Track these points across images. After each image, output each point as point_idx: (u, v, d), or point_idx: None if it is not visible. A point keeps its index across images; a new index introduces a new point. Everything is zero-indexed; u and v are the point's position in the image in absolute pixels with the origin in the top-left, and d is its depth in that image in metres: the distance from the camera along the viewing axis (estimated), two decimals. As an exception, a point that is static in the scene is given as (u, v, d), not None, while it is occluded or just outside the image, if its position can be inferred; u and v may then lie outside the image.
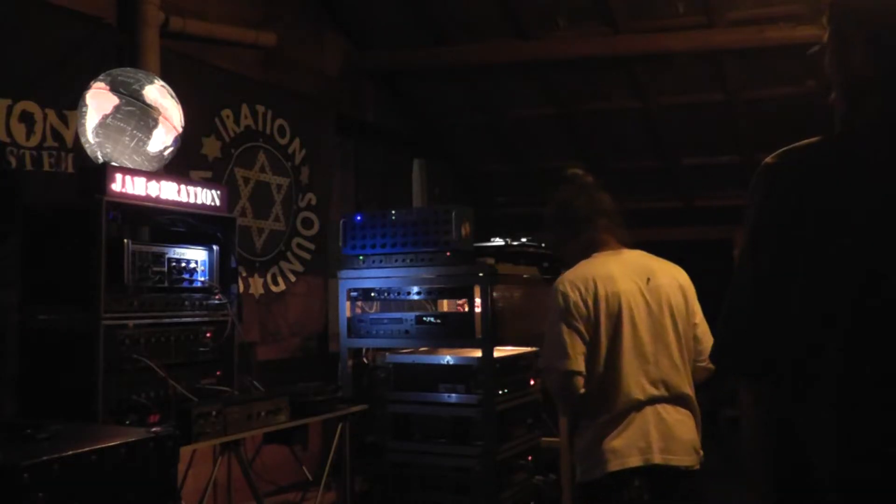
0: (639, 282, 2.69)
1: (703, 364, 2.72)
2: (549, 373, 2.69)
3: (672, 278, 2.76)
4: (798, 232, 1.37)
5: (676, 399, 2.65)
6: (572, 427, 2.79)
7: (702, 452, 2.68)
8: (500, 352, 3.84)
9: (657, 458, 2.55)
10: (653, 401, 2.61)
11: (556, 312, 2.66)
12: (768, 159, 1.46)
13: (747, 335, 1.43)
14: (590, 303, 2.63)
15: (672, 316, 2.67)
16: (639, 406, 2.59)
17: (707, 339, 2.74)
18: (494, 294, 3.68)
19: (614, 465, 2.54)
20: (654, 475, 2.56)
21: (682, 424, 2.64)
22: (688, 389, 2.67)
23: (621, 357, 2.61)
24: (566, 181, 2.91)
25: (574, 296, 2.64)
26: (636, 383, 2.60)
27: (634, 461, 2.54)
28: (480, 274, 3.67)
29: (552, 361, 2.64)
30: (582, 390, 2.61)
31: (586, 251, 2.80)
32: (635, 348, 2.62)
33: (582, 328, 2.61)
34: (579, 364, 2.59)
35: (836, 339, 1.32)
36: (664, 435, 2.59)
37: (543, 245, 4.27)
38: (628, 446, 2.56)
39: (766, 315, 1.40)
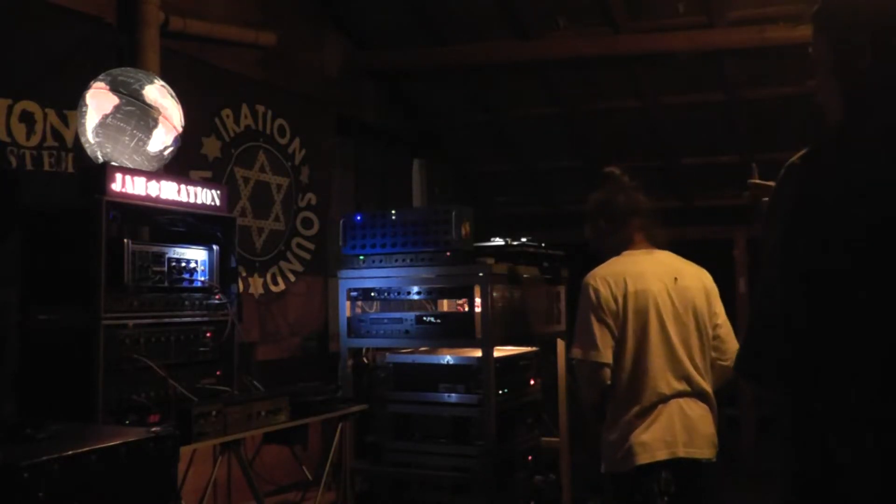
0: (666, 281, 2.82)
1: (726, 363, 2.86)
2: (578, 364, 2.81)
3: (697, 280, 2.90)
4: (828, 237, 1.35)
5: (697, 394, 2.78)
6: (594, 420, 2.91)
7: (717, 445, 2.82)
8: (500, 352, 3.83)
9: (682, 452, 2.70)
10: (677, 395, 2.75)
11: (587, 306, 2.79)
12: (794, 160, 1.44)
13: (770, 343, 1.41)
14: (619, 298, 2.76)
15: (695, 316, 2.81)
16: (664, 400, 2.73)
17: (730, 340, 2.90)
18: (494, 294, 3.68)
19: (643, 459, 2.67)
20: (679, 467, 2.70)
21: (703, 419, 2.78)
22: (707, 386, 2.81)
23: (648, 353, 2.74)
24: (606, 180, 3.04)
25: (605, 291, 2.77)
26: (663, 378, 2.74)
27: (662, 454, 2.68)
28: (480, 274, 3.67)
29: (582, 353, 2.77)
30: (608, 381, 2.76)
31: (620, 248, 2.93)
32: (662, 344, 2.75)
33: (611, 322, 2.75)
34: (607, 356, 2.74)
35: (877, 361, 1.30)
36: (687, 429, 2.73)
37: (544, 245, 4.28)
38: (656, 440, 2.69)
39: (790, 324, 1.37)
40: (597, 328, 2.75)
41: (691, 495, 2.73)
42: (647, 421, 2.71)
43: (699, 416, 2.77)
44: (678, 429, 2.71)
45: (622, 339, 2.76)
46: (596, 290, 2.78)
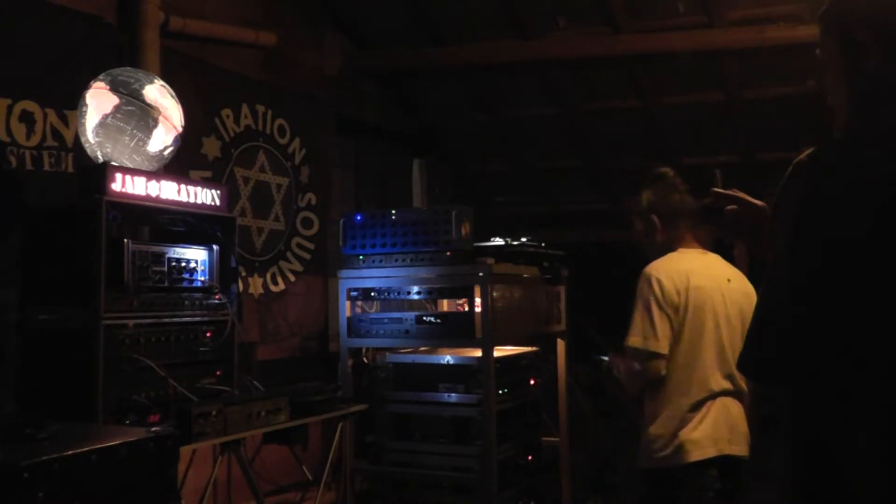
0: (720, 282, 2.89)
1: None
2: (634, 352, 2.82)
3: (743, 285, 2.96)
4: (839, 239, 1.34)
5: (737, 394, 2.85)
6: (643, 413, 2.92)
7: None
8: (500, 352, 3.83)
9: (727, 449, 2.76)
10: (722, 393, 2.81)
11: (648, 297, 2.82)
12: (803, 158, 1.44)
13: (771, 341, 1.40)
14: (682, 293, 2.81)
15: (741, 319, 2.84)
16: (713, 397, 2.78)
17: None
18: (494, 294, 3.68)
19: (696, 455, 2.71)
20: (723, 465, 2.75)
21: (741, 417, 2.86)
22: (745, 386, 2.87)
23: (703, 349, 2.79)
24: (658, 178, 3.09)
25: (668, 284, 2.81)
26: (713, 375, 2.79)
27: (711, 451, 2.73)
28: (480, 274, 3.67)
29: (641, 342, 2.79)
30: (663, 373, 2.80)
31: (671, 246, 2.97)
32: (714, 342, 2.80)
33: (671, 315, 2.79)
34: (665, 347, 2.78)
35: (878, 360, 1.30)
36: (731, 426, 2.80)
37: (544, 245, 4.28)
38: (706, 437, 2.74)
39: (793, 322, 1.37)
40: (658, 319, 2.78)
41: (733, 492, 2.77)
42: (697, 417, 2.75)
43: (738, 413, 2.84)
44: (723, 426, 2.77)
45: (679, 332, 2.79)
46: (660, 282, 2.81)
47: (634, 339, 2.81)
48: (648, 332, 2.78)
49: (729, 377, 2.82)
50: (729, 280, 2.93)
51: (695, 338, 2.79)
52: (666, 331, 2.78)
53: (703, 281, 2.85)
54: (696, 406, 2.77)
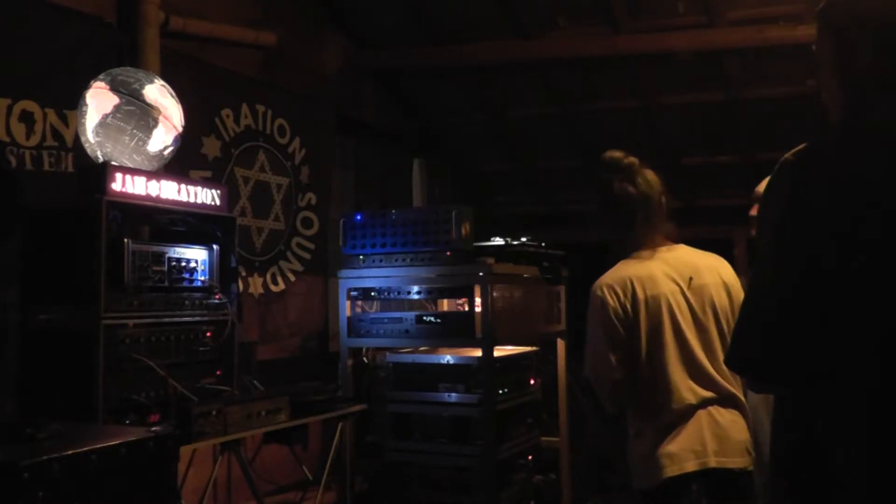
0: (680, 282, 2.62)
1: None
2: (594, 381, 2.61)
3: (717, 275, 2.69)
4: (824, 237, 1.34)
5: (726, 400, 2.60)
6: (614, 429, 2.77)
7: (753, 453, 2.63)
8: (500, 351, 3.83)
9: (713, 462, 2.52)
10: (705, 403, 2.56)
11: (595, 320, 2.58)
12: (789, 156, 1.44)
13: (765, 341, 1.40)
14: (628, 307, 2.55)
15: (716, 317, 2.62)
16: (692, 409, 2.55)
17: None
18: (494, 294, 3.68)
19: (672, 471, 2.50)
20: (710, 479, 2.52)
21: (735, 425, 2.60)
22: (736, 390, 2.62)
23: (667, 362, 2.55)
24: (604, 168, 2.81)
25: (612, 301, 2.55)
26: (686, 387, 2.55)
27: (691, 465, 2.51)
28: (480, 274, 3.67)
29: (594, 370, 2.58)
30: (628, 396, 2.58)
31: (631, 248, 2.69)
32: (681, 352, 2.56)
33: (622, 334, 2.54)
34: (619, 372, 2.54)
35: (866, 354, 1.30)
36: (719, 437, 2.55)
37: (544, 245, 4.27)
38: (684, 450, 2.52)
39: (786, 322, 1.37)
40: (608, 343, 2.54)
41: None
42: (674, 431, 2.53)
43: (730, 422, 2.59)
44: (708, 437, 2.53)
45: (636, 350, 2.55)
46: (603, 301, 2.56)
47: (588, 370, 2.58)
48: (601, 361, 2.55)
49: (710, 385, 2.57)
50: (692, 278, 2.63)
51: (655, 352, 2.55)
52: (617, 354, 2.53)
53: (659, 287, 2.58)
54: (673, 421, 2.54)
